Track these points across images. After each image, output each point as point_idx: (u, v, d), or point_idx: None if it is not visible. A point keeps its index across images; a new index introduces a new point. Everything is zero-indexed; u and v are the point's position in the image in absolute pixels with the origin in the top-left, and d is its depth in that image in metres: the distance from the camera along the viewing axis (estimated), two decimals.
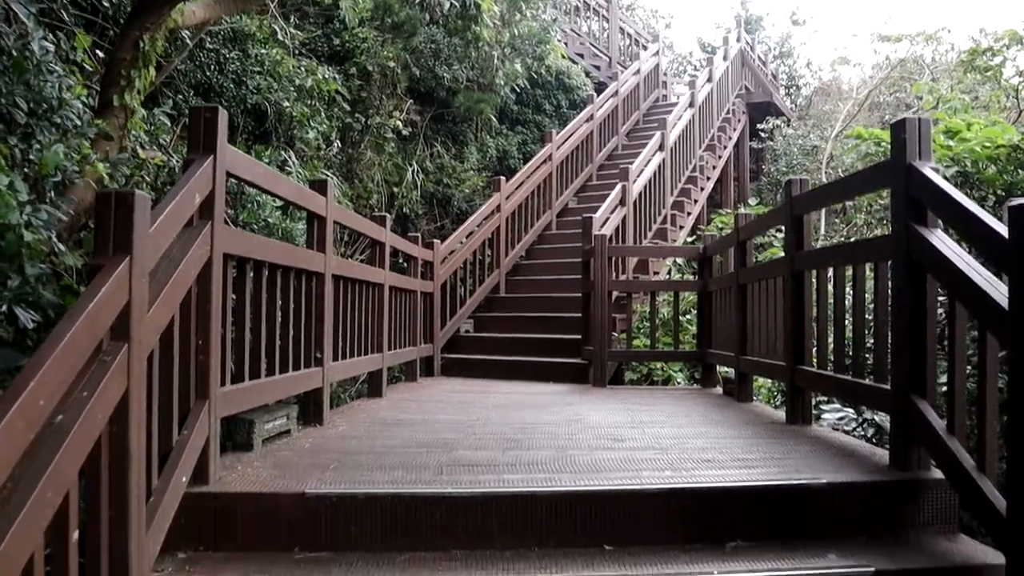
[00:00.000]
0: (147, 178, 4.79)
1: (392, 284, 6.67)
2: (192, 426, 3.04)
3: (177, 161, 5.14)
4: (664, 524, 3.11)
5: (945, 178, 3.30)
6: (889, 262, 3.63)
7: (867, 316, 4.30)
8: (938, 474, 3.24)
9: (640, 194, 9.84)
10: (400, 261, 8.35)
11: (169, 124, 5.97)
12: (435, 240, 8.91)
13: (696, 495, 3.15)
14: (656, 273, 9.88)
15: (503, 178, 10.43)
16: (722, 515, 3.14)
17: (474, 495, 3.11)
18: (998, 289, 2.81)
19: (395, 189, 10.84)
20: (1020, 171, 5.92)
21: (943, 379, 3.39)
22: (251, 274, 3.85)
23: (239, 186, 6.06)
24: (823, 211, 11.92)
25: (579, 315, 8.24)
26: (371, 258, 6.59)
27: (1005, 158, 6.08)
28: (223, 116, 3.34)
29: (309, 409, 4.74)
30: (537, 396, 6.49)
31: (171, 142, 6.00)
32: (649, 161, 10.42)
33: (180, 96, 6.99)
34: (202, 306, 3.21)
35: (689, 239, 11.58)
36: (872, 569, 2.82)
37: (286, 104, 7.90)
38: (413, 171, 11.07)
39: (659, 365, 8.60)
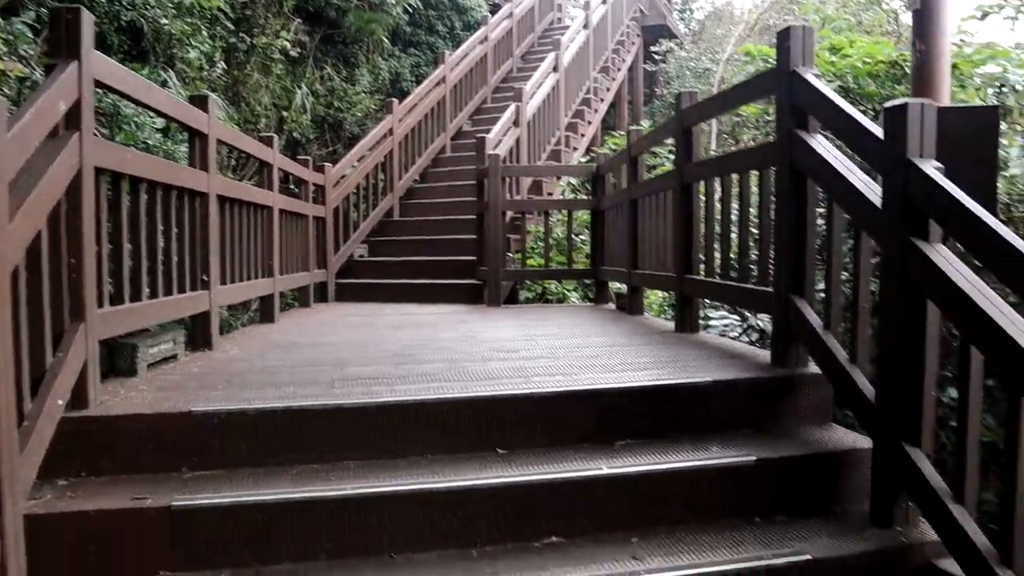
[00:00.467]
0: (6, 92, 4.46)
1: (282, 207, 6.49)
2: (67, 348, 2.90)
3: (41, 75, 4.80)
4: (555, 426, 3.16)
5: None
6: (773, 169, 3.72)
7: (752, 227, 4.41)
8: (815, 369, 3.38)
9: (534, 115, 9.77)
10: (291, 186, 8.12)
11: (31, 36, 5.56)
12: (326, 164, 8.69)
13: (586, 397, 3.21)
14: (550, 194, 9.90)
15: (395, 101, 10.21)
16: (611, 415, 3.21)
17: (366, 406, 3.08)
18: (872, 189, 2.91)
19: (284, 113, 10.48)
20: (897, 86, 6.12)
21: (823, 286, 3.52)
22: (128, 191, 3.66)
23: (115, 106, 5.72)
24: (713, 131, 12.11)
25: (474, 237, 8.22)
26: (260, 182, 6.37)
27: (884, 74, 6.28)
28: (88, 19, 3.11)
29: (197, 334, 4.59)
30: (432, 316, 6.48)
31: (36, 56, 5.59)
32: (543, 83, 10.33)
33: (44, 8, 6.50)
34: (73, 222, 3.03)
35: (583, 160, 11.63)
36: (753, 458, 2.95)
37: (164, 21, 7.44)
38: (303, 94, 10.71)
39: (553, 285, 8.69)
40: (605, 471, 2.85)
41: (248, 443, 3.01)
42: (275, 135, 6.53)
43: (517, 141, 9.17)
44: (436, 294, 8.13)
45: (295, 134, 10.59)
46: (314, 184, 7.98)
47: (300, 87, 10.69)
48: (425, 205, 10.19)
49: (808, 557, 2.58)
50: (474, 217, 8.25)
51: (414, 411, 3.10)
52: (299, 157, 8.14)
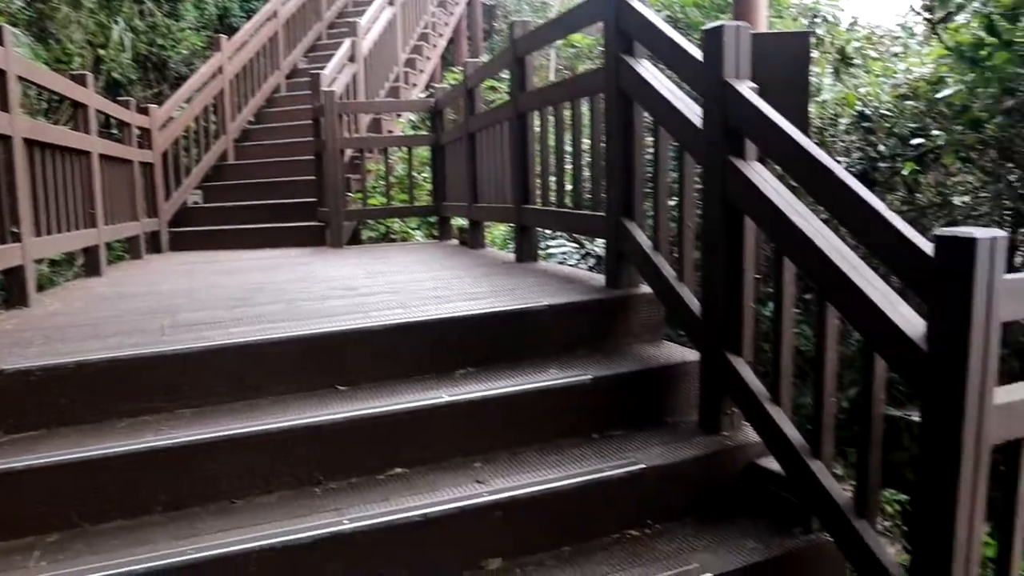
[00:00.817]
0: None
1: (103, 152, 6.06)
2: None
3: None
4: (395, 360, 3.14)
5: None
6: (603, 95, 3.76)
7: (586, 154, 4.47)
8: (647, 289, 3.50)
9: (371, 51, 9.52)
10: (115, 131, 7.62)
11: None
12: (151, 106, 8.19)
13: (425, 328, 3.20)
14: (390, 131, 9.72)
15: (224, 37, 9.68)
16: (451, 345, 3.21)
17: (197, 351, 2.95)
18: (694, 111, 3.00)
19: (101, 52, 9.74)
20: (720, 15, 6.31)
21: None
22: None
23: None
24: (552, 64, 12.19)
25: (314, 178, 7.99)
26: (76, 125, 5.92)
27: (708, 4, 6.46)
28: None
29: (11, 290, 4.27)
30: (272, 260, 6.28)
31: None
32: (379, 17, 10.05)
33: None
34: None
35: (423, 97, 11.45)
36: (589, 377, 3.03)
37: None
38: (120, 30, 9.98)
39: (397, 223, 8.60)
40: (446, 399, 2.86)
41: (70, 399, 2.83)
42: (90, 74, 6.07)
43: (354, 78, 8.92)
44: (277, 238, 7.89)
45: (115, 74, 9.88)
46: (138, 127, 7.52)
47: (117, 22, 9.96)
48: (262, 147, 9.79)
49: (642, 466, 2.70)
50: (313, 157, 8.01)
51: (249, 353, 3.00)
52: (120, 99, 7.61)
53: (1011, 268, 3.82)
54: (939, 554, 1.96)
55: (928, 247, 1.97)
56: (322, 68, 8.53)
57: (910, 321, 2.06)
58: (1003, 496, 2.20)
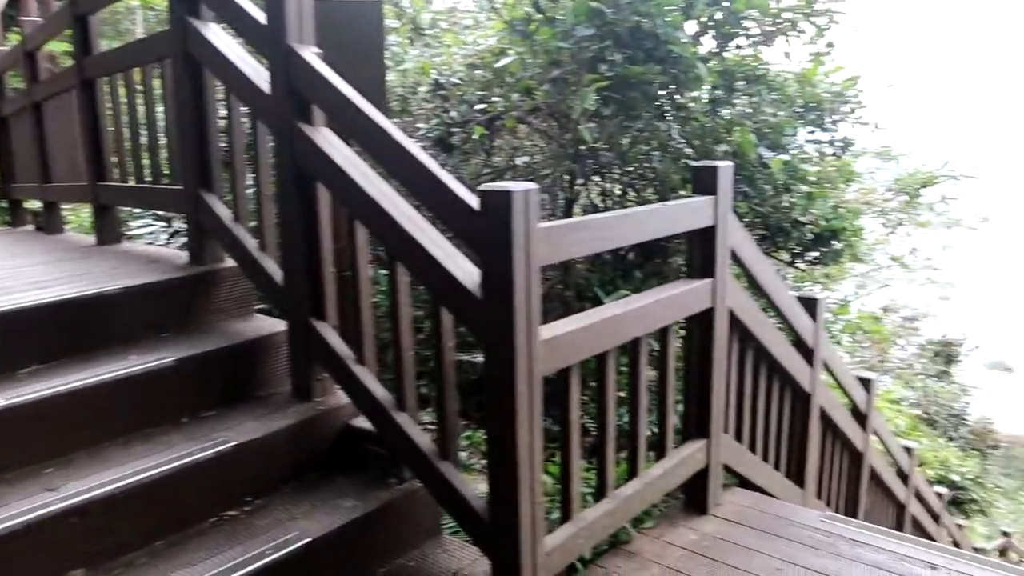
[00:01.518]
0: None
1: None
2: None
3: None
4: None
5: None
6: (171, 60, 3.54)
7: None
8: (232, 263, 3.39)
9: None
10: None
11: None
12: None
13: None
14: None
15: None
16: (11, 342, 2.84)
17: None
18: (263, 76, 2.93)
19: None
20: None
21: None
22: None
23: None
24: (139, 28, 11.29)
25: None
26: None
27: None
28: None
29: None
30: None
31: None
32: None
33: None
34: None
35: None
36: (173, 359, 2.88)
37: None
38: None
39: None
40: (3, 403, 2.53)
41: None
42: None
43: None
44: None
45: None
46: None
47: None
48: None
49: (234, 443, 2.63)
50: None
51: None
52: None
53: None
54: (508, 475, 2.17)
55: (475, 202, 2.13)
56: None
57: (468, 273, 2.22)
58: (560, 416, 2.48)
